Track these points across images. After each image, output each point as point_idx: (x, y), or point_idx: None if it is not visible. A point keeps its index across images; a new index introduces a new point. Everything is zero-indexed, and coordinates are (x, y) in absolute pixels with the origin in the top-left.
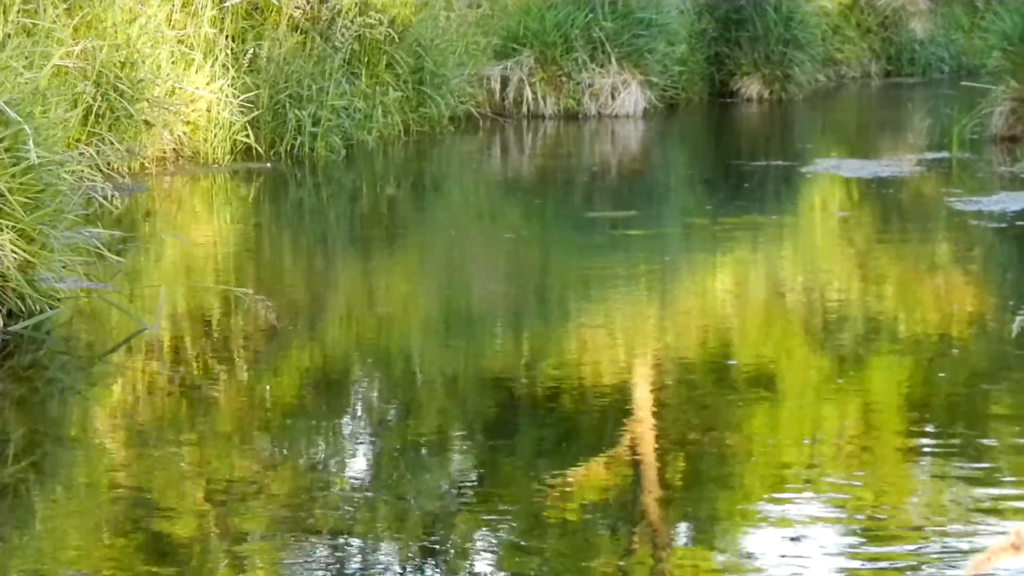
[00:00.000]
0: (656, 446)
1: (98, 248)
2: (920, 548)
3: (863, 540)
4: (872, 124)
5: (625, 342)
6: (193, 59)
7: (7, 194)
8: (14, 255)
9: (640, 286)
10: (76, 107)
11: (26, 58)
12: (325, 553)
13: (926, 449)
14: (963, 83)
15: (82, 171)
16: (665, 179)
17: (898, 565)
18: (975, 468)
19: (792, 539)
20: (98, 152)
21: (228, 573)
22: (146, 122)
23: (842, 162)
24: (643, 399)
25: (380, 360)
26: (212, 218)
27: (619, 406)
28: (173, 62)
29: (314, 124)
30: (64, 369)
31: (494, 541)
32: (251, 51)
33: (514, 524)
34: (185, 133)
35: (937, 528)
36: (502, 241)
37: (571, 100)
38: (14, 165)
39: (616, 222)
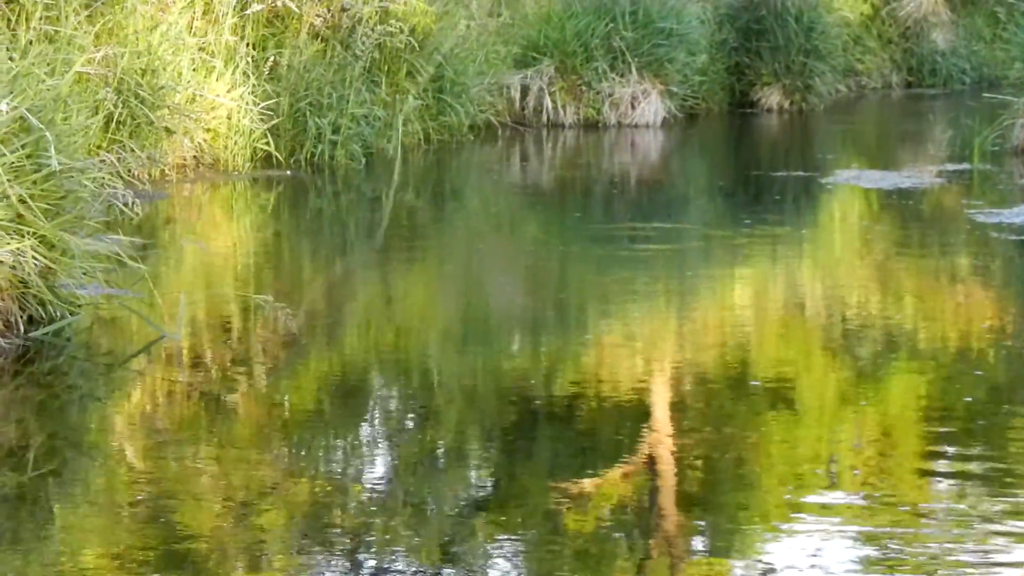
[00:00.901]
0: (684, 459)
1: (119, 255)
2: (940, 567)
3: (883, 557)
4: (893, 135)
5: (645, 356)
6: (214, 66)
7: (29, 200)
8: (35, 261)
9: (660, 299)
10: (97, 114)
11: (48, 65)
12: (343, 560)
13: (947, 466)
14: (984, 94)
15: (103, 178)
16: (685, 190)
17: None
18: (996, 487)
19: (812, 553)
20: (119, 159)
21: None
22: (167, 129)
23: (862, 173)
24: (666, 413)
25: (399, 369)
26: (232, 225)
27: (640, 419)
28: (194, 69)
29: (334, 132)
30: (84, 375)
31: (512, 550)
32: (271, 59)
33: (532, 534)
34: (205, 140)
35: (958, 547)
36: (522, 253)
37: (591, 109)
38: (35, 172)
39: (636, 234)
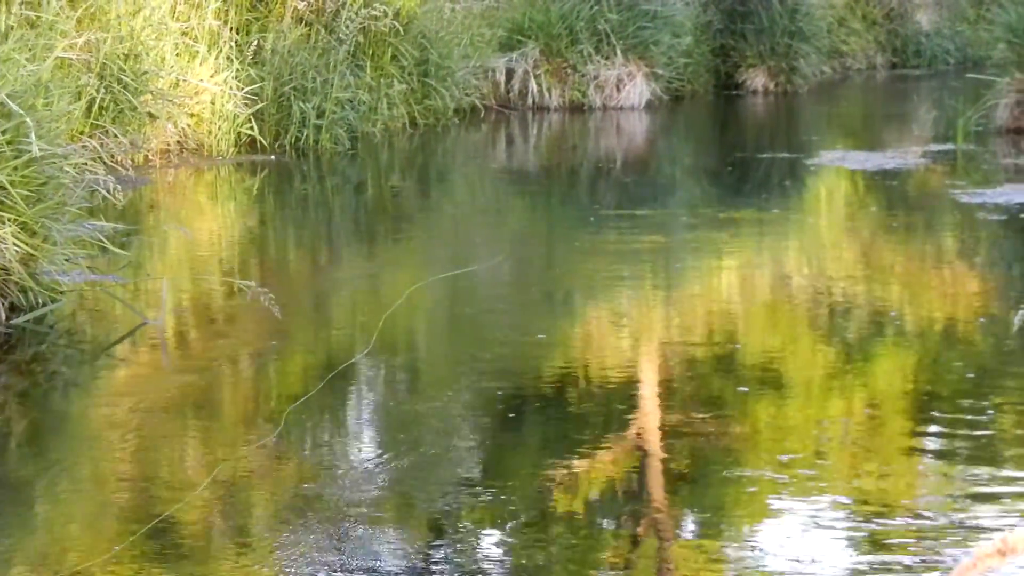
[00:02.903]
0: (675, 436)
1: (101, 241)
2: (924, 540)
3: (869, 532)
4: (877, 116)
5: (633, 341)
6: (197, 51)
7: (9, 187)
8: (16, 248)
9: (647, 284)
10: (79, 99)
11: (29, 50)
12: (330, 542)
13: (930, 442)
14: (968, 75)
15: (85, 164)
16: (671, 172)
17: (903, 560)
18: (980, 462)
19: (799, 532)
20: (101, 145)
21: (232, 565)
22: (150, 114)
23: (847, 154)
24: (658, 395)
25: (383, 352)
26: (216, 211)
27: (630, 401)
28: (177, 54)
29: (319, 116)
30: (67, 363)
31: (499, 529)
32: (255, 43)
33: (519, 514)
34: (189, 125)
35: (942, 521)
36: (508, 238)
37: (576, 92)
38: (16, 158)
39: (622, 217)
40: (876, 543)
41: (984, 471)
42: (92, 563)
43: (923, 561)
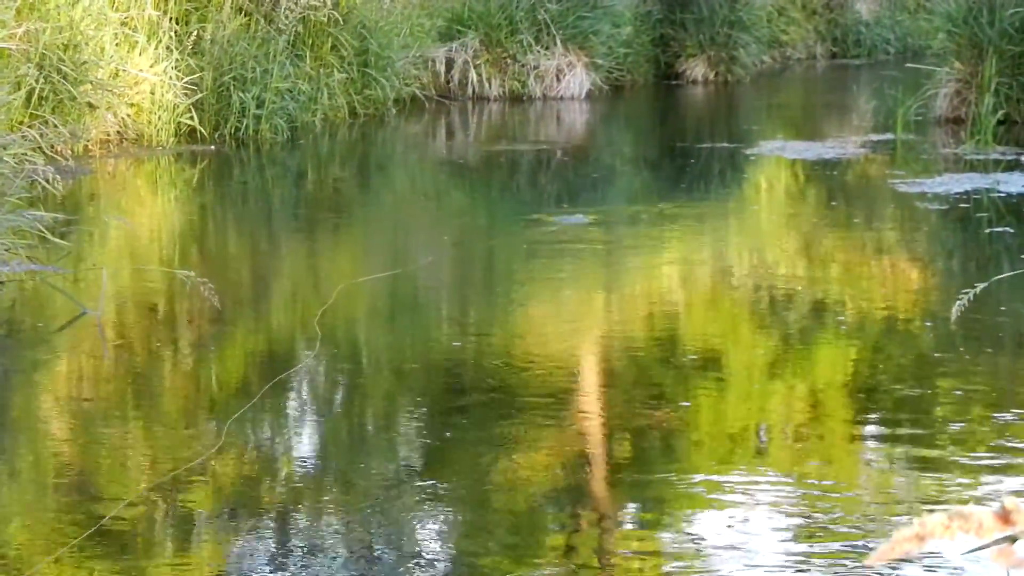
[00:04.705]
0: (620, 430)
1: (41, 231)
2: (865, 530)
3: (809, 522)
4: (817, 106)
5: (575, 332)
6: (137, 41)
7: None
8: None
9: (588, 276)
10: (19, 89)
11: None
12: (271, 535)
13: (870, 431)
14: (908, 65)
15: (24, 154)
16: (610, 162)
17: (843, 547)
18: (918, 450)
19: (740, 521)
20: (41, 135)
21: (173, 556)
22: (90, 104)
23: (787, 144)
24: (603, 388)
25: (322, 343)
26: (156, 201)
27: (571, 392)
28: (117, 44)
29: (258, 106)
30: (5, 352)
31: (441, 521)
32: (195, 33)
33: (462, 506)
34: (129, 115)
35: (882, 510)
36: (447, 227)
37: (516, 82)
38: None
39: (562, 207)
40: (818, 536)
41: (922, 460)
42: (29, 554)
43: (854, 548)
